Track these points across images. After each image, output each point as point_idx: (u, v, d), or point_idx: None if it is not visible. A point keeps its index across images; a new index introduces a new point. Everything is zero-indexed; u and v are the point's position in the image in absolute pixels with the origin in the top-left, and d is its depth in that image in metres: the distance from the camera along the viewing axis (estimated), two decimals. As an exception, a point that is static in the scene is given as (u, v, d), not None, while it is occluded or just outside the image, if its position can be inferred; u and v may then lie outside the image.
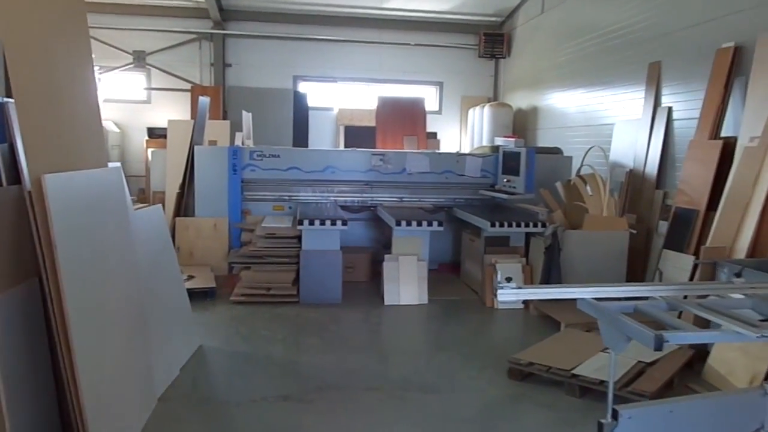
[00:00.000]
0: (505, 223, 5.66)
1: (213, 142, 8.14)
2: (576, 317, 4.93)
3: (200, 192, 6.74)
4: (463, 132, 12.21)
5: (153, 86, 11.14)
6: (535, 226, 5.72)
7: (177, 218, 6.75)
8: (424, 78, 12.13)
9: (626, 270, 5.80)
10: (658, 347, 2.11)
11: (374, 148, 10.47)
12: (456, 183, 7.23)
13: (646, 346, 2.14)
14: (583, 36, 8.51)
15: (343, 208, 6.90)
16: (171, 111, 10.81)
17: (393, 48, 11.78)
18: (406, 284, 5.80)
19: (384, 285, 5.79)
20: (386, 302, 5.75)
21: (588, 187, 5.94)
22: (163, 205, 5.28)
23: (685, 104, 6.14)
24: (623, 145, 7.00)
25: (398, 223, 5.60)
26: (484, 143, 10.30)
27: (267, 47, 11.40)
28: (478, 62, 11.97)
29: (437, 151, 10.03)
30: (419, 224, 5.61)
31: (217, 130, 9.12)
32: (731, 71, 5.35)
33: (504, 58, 11.65)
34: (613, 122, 7.45)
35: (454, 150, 11.52)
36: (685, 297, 2.93)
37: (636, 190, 6.55)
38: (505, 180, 6.89)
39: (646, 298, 2.73)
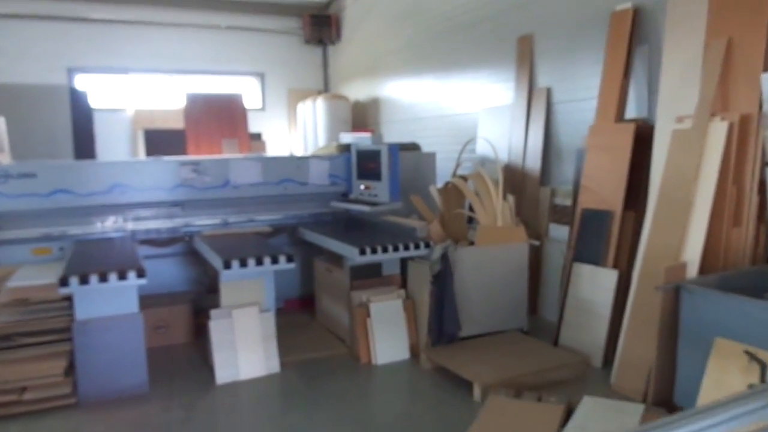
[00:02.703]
0: (378, 249, 4.13)
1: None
2: (489, 371, 3.57)
3: None
4: (292, 131, 10.53)
5: None
6: (416, 247, 4.27)
7: None
8: (241, 68, 10.23)
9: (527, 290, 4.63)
10: None
11: (185, 154, 8.40)
12: (299, 194, 5.55)
13: None
14: (427, 13, 7.32)
15: (145, 242, 4.87)
16: None
17: (199, 31, 9.71)
18: (246, 350, 4.00)
19: (213, 355, 3.93)
20: (219, 380, 3.90)
21: (473, 190, 4.65)
22: None
23: (567, 83, 5.14)
24: (492, 136, 5.87)
25: (227, 265, 3.77)
26: (321, 143, 8.74)
27: (26, 30, 8.62)
28: (305, 49, 10.40)
29: (266, 154, 8.24)
30: (259, 262, 3.84)
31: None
32: (632, 40, 4.38)
33: (333, 44, 10.17)
34: (477, 111, 6.33)
35: (285, 153, 9.81)
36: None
37: (515, 188, 5.44)
38: (362, 187, 5.37)
39: None
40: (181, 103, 9.16)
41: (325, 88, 10.61)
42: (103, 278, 3.41)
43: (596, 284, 4.15)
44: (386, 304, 4.30)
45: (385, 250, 4.14)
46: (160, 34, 9.46)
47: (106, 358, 3.67)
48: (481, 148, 6.03)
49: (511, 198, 4.60)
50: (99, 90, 9.36)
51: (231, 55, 10.01)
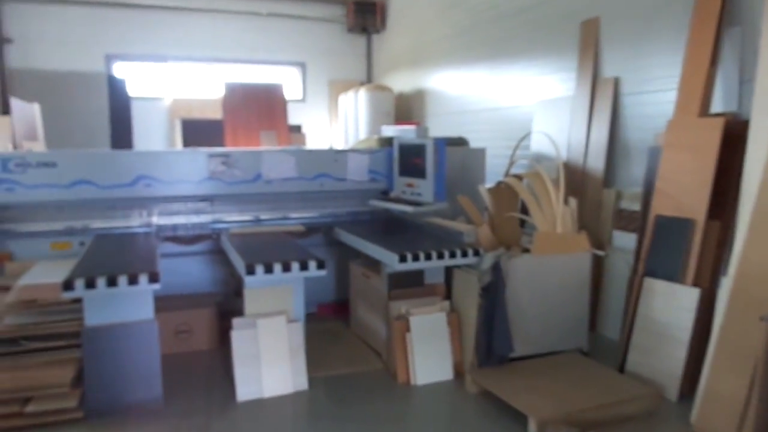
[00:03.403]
0: (421, 255, 3.65)
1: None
2: (546, 403, 3.07)
3: None
4: (333, 123, 10.13)
5: None
6: (464, 255, 3.78)
7: None
8: (282, 57, 9.86)
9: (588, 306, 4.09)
10: None
11: (223, 146, 8.10)
12: (335, 191, 5.13)
13: None
14: (480, -3, 6.79)
15: (169, 239, 4.53)
16: None
17: (240, 18, 9.38)
18: (271, 364, 3.60)
19: (235, 370, 3.54)
20: (240, 397, 3.51)
21: (528, 191, 4.13)
22: None
23: (639, 73, 4.54)
24: (550, 131, 5.31)
25: (250, 270, 3.36)
26: (363, 137, 8.30)
27: (65, 16, 8.46)
28: (348, 38, 9.96)
29: (305, 147, 7.86)
30: (286, 268, 3.42)
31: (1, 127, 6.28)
32: (721, 21, 3.77)
33: (378, 32, 9.71)
34: (531, 103, 5.78)
35: (325, 146, 9.42)
36: None
37: (574, 190, 4.87)
38: (405, 185, 4.90)
39: None
40: (219, 93, 8.88)
41: (368, 79, 10.16)
42: (112, 282, 3.05)
43: (672, 303, 3.58)
44: (428, 317, 3.83)
45: (428, 257, 3.67)
46: (200, 21, 9.18)
47: (117, 369, 3.32)
48: (537, 144, 5.48)
49: (573, 201, 4.06)
50: (137, 78, 9.16)
51: (271, 43, 9.66)
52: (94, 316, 3.29)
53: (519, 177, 4.35)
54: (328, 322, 4.97)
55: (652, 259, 3.78)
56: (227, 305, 4.59)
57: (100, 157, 4.49)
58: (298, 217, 4.98)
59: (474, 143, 5.99)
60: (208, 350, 4.35)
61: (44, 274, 3.81)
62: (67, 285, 2.99)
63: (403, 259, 3.60)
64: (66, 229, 4.36)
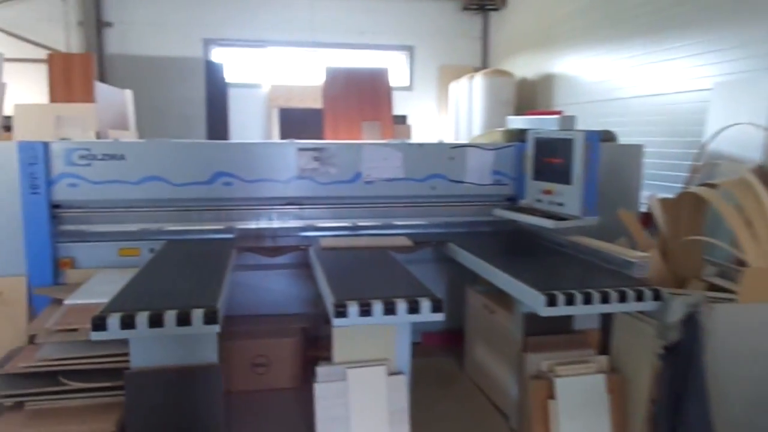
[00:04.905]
0: (577, 297, 2.58)
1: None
2: None
3: (-36, 230, 3.53)
4: (442, 114, 9.14)
5: (-8, 55, 7.73)
6: (639, 297, 2.65)
7: None
8: (388, 41, 9.00)
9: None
10: None
11: (322, 138, 7.37)
12: (450, 196, 4.14)
13: None
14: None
15: (250, 249, 3.75)
16: (22, 91, 7.40)
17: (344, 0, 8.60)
18: (364, 428, 2.69)
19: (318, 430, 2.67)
20: (323, 473, 2.64)
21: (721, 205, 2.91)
22: None
23: None
24: (736, 120, 4.00)
25: (341, 310, 2.44)
26: (476, 130, 7.25)
27: (164, -1, 8.10)
28: (461, 18, 8.93)
29: (413, 141, 6.93)
30: (390, 309, 2.47)
31: (86, 115, 5.90)
32: None
33: (497, 9, 8.57)
34: (705, 87, 4.47)
35: (432, 140, 8.45)
36: None
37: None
38: (540, 191, 3.82)
39: None
40: (319, 79, 8.16)
41: (483, 64, 9.06)
42: (157, 321, 2.25)
43: None
44: (581, 379, 2.77)
45: (587, 299, 2.59)
46: (301, 3, 8.52)
47: (168, 422, 2.55)
48: (722, 140, 4.18)
49: (803, 226, 2.81)
50: (235, 64, 8.66)
51: (377, 26, 8.84)
52: (140, 356, 2.54)
53: (712, 185, 3.14)
54: (436, 358, 4.01)
55: None
56: (315, 330, 3.78)
57: (175, 148, 3.79)
58: (404, 225, 4.07)
59: (622, 139, 4.78)
60: (289, 389, 3.54)
61: (100, 288, 3.17)
62: (98, 323, 2.23)
63: (552, 302, 2.55)
64: (134, 233, 3.72)
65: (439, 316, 2.50)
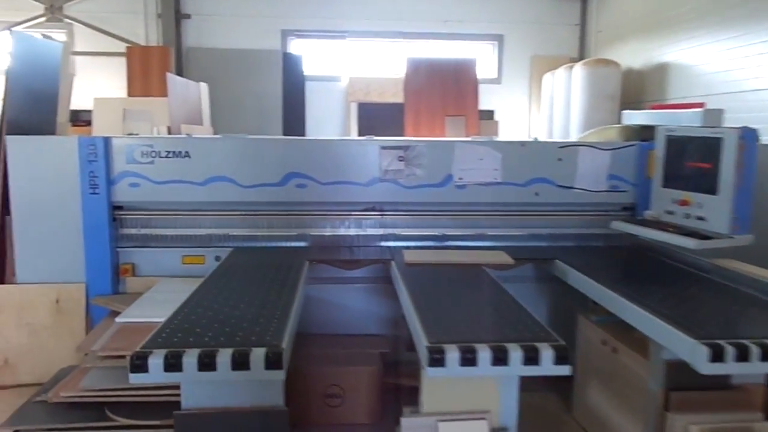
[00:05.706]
0: (752, 350, 1.93)
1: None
2: None
3: (22, 233, 3.28)
4: (534, 109, 8.44)
5: (75, 49, 7.73)
6: (836, 354, 1.96)
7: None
8: (475, 30, 8.40)
9: None
10: None
11: (402, 135, 6.90)
12: (557, 204, 3.53)
13: None
14: None
15: (325, 261, 3.29)
16: (102, 84, 7.37)
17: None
18: (459, 498, 2.15)
19: (400, 504, 2.16)
20: None
21: None
22: None
23: None
24: None
25: (437, 357, 1.90)
26: (574, 127, 6.52)
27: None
28: (557, 3, 8.25)
29: (504, 139, 6.30)
30: (501, 358, 1.91)
31: (161, 110, 5.72)
32: None
33: (599, -7, 7.82)
34: None
35: (523, 138, 7.79)
36: None
37: None
38: (674, 201, 3.13)
39: None
40: (400, 72, 7.68)
41: (580, 54, 8.30)
42: (208, 364, 1.81)
43: None
44: (746, 455, 2.10)
45: (766, 353, 1.93)
46: (383, -9, 8.14)
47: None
48: None
49: None
50: (313, 56, 8.33)
51: (463, 13, 8.34)
52: (192, 396, 2.11)
53: None
54: (537, 394, 3.40)
55: None
56: (394, 354, 3.28)
57: (243, 145, 3.39)
58: (499, 235, 3.50)
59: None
60: (367, 425, 3.05)
61: (159, 302, 2.81)
62: (138, 363, 1.80)
63: (718, 356, 1.91)
64: (198, 238, 3.38)
65: (564, 370, 1.92)
